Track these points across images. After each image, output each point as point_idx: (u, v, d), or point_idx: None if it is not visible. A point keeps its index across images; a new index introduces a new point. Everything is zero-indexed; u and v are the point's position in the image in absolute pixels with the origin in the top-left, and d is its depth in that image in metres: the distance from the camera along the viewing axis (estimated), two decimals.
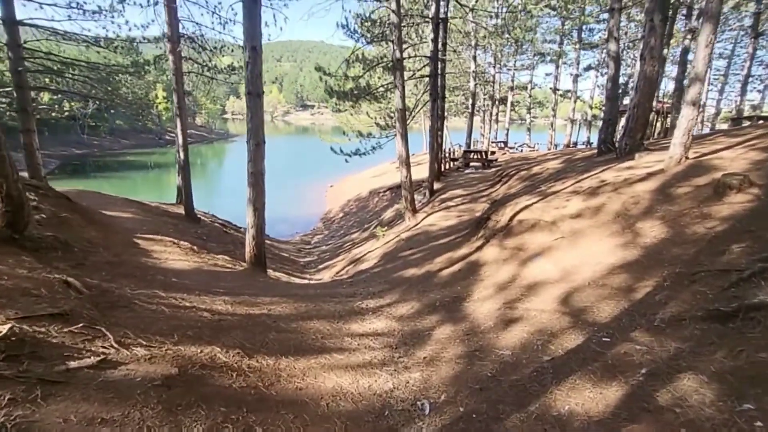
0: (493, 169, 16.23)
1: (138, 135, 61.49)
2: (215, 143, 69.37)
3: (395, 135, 9.95)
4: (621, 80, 30.38)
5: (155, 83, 63.57)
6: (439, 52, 12.01)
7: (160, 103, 62.01)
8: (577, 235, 4.66)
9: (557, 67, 27.52)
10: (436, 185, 13.75)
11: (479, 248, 5.82)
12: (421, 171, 20.96)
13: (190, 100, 74.72)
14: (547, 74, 30.46)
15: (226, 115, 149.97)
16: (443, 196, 10.98)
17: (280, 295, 4.74)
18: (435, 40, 11.79)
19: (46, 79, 13.59)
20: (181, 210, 10.80)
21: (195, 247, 6.86)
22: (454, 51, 19.32)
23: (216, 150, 63.04)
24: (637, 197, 4.74)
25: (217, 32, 15.87)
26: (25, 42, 10.97)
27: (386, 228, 10.33)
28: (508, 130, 29.73)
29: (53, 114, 46.21)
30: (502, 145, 27.00)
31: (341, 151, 14.62)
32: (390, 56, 14.42)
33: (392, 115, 17.93)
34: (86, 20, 12.35)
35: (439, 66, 12.39)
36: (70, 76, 13.79)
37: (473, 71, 18.97)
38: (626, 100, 26.00)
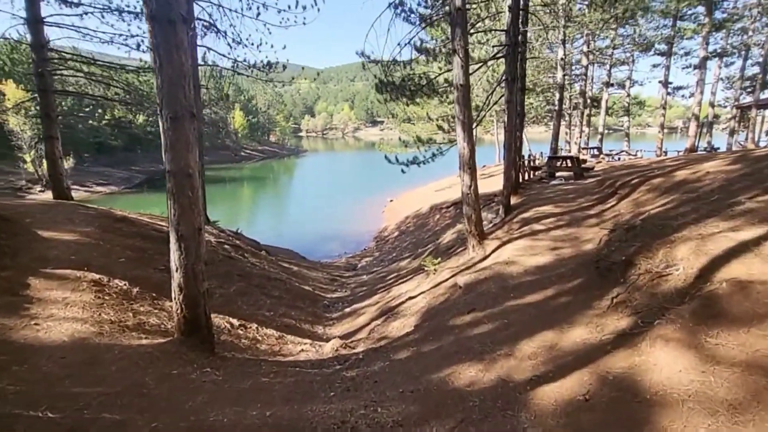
0: (592, 180, 12.23)
1: (217, 152, 65.60)
2: (286, 158, 71.67)
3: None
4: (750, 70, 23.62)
5: (234, 103, 67.93)
6: (520, 16, 8.78)
7: (237, 122, 65.69)
8: None
9: (669, 55, 22.08)
10: (514, 199, 10.31)
11: (624, 336, 2.57)
12: (492, 184, 17.41)
13: (264, 118, 78.78)
14: (654, 66, 24.85)
15: (301, 133, 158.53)
16: (525, 215, 7.61)
17: None
18: (514, 4, 8.62)
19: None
20: None
21: (136, 290, 4.54)
22: (537, 39, 15.73)
23: (287, 165, 64.81)
24: None
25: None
26: (48, 46, 10.13)
27: (440, 260, 7.25)
28: (602, 135, 24.61)
29: (149, 130, 50.84)
30: (596, 152, 22.17)
31: (396, 160, 11.99)
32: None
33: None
34: None
35: (519, 38, 9.14)
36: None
37: (561, 59, 15.13)
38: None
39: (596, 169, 15.99)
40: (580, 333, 2.95)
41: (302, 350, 4.73)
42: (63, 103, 27.72)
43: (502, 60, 12.43)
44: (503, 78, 10.38)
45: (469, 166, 6.32)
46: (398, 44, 9.93)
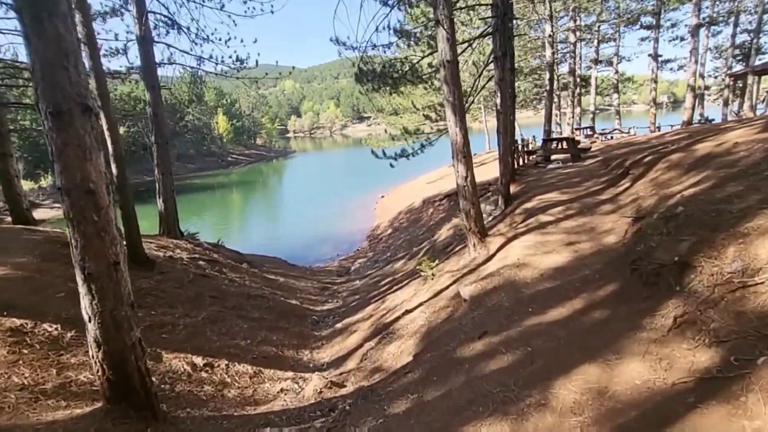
0: (593, 161, 11.49)
1: (203, 159, 64.05)
2: (274, 161, 70.34)
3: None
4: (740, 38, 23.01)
5: (216, 107, 66.36)
6: None
7: (221, 127, 64.16)
8: None
9: (657, 27, 21.38)
10: (513, 188, 9.53)
11: (712, 381, 1.78)
12: (485, 172, 16.60)
13: (249, 121, 77.13)
14: (642, 39, 24.15)
15: (289, 134, 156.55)
16: (528, 205, 6.82)
17: None
18: None
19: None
20: (157, 242, 7.97)
21: (70, 335, 3.67)
22: (523, 17, 14.88)
23: (275, 167, 63.53)
24: None
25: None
26: None
27: (437, 262, 6.44)
28: (594, 113, 23.91)
29: (130, 141, 49.36)
30: (590, 131, 21.47)
31: (384, 154, 11.17)
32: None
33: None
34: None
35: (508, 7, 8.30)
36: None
37: (549, 36, 14.31)
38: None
39: (593, 149, 15.28)
40: (636, 369, 2.16)
41: (281, 390, 3.90)
42: (20, 117, 26.16)
43: (489, 40, 11.59)
44: (491, 58, 9.55)
45: (464, 154, 5.49)
46: (376, 28, 9.07)
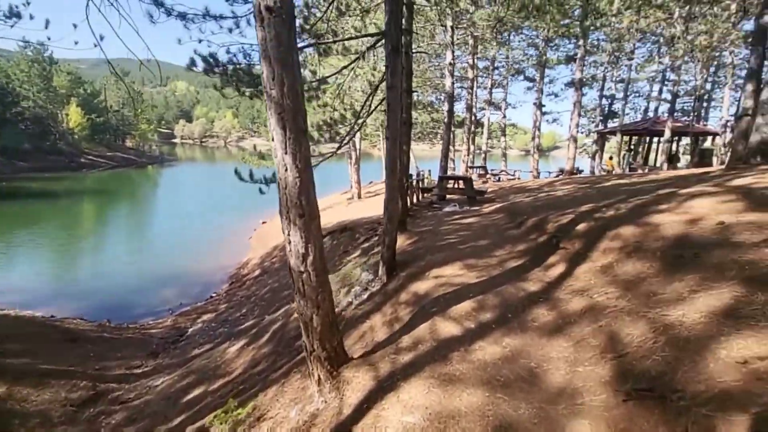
0: (492, 207, 9.95)
1: (44, 157, 50.97)
2: (148, 168, 59.71)
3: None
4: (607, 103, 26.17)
5: (69, 96, 53.95)
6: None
7: (73, 120, 51.98)
8: None
9: (541, 78, 22.62)
10: (401, 240, 7.16)
11: None
12: (375, 206, 14.46)
13: (117, 119, 64.71)
14: (528, 88, 25.55)
15: (176, 139, 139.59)
16: (421, 287, 4.37)
17: None
18: None
19: None
20: None
21: None
22: (422, 39, 13.45)
23: (147, 175, 53.56)
24: None
25: None
26: None
27: (250, 406, 3.39)
28: (486, 154, 24.11)
29: None
30: (482, 171, 21.24)
31: (251, 177, 7.94)
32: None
33: (336, 117, 11.33)
34: None
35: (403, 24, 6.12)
36: None
37: (450, 64, 13.02)
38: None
39: (489, 190, 14.29)
40: None
41: None
42: None
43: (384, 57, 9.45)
44: (384, 77, 7.23)
45: (300, 210, 2.73)
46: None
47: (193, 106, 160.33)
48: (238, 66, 7.22)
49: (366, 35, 7.11)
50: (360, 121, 10.74)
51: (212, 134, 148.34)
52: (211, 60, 6.80)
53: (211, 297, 12.95)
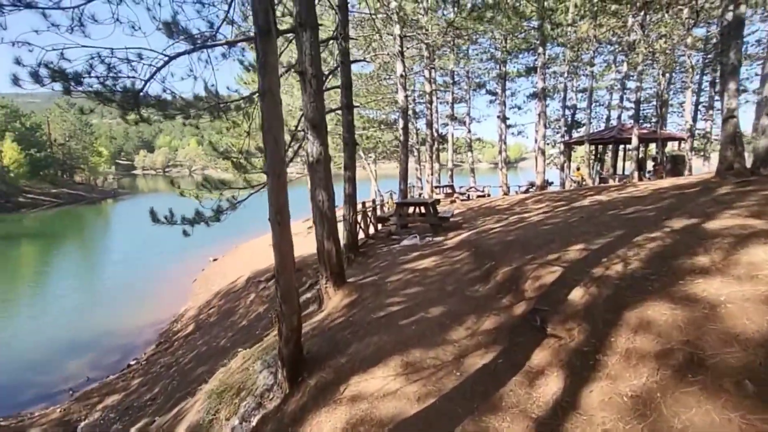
0: (457, 238, 8.31)
1: None
2: (99, 203, 55.36)
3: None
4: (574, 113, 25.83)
5: (3, 131, 49.64)
6: None
7: (7, 157, 47.54)
8: None
9: (503, 91, 21.86)
10: (336, 299, 5.38)
11: None
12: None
13: (64, 152, 60.23)
14: (491, 101, 24.78)
15: (136, 170, 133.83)
16: (323, 422, 2.62)
17: None
18: None
19: None
20: None
21: None
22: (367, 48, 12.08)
23: (98, 212, 49.45)
24: None
25: None
26: None
27: None
28: (452, 170, 22.89)
29: None
30: (449, 190, 19.88)
31: (170, 217, 6.17)
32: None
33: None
34: None
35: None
36: None
37: (401, 77, 11.58)
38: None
39: (455, 213, 12.80)
40: None
41: None
42: None
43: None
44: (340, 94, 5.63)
45: None
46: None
47: (155, 135, 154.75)
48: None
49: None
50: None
51: (176, 163, 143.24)
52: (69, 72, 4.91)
53: (129, 366, 10.56)
